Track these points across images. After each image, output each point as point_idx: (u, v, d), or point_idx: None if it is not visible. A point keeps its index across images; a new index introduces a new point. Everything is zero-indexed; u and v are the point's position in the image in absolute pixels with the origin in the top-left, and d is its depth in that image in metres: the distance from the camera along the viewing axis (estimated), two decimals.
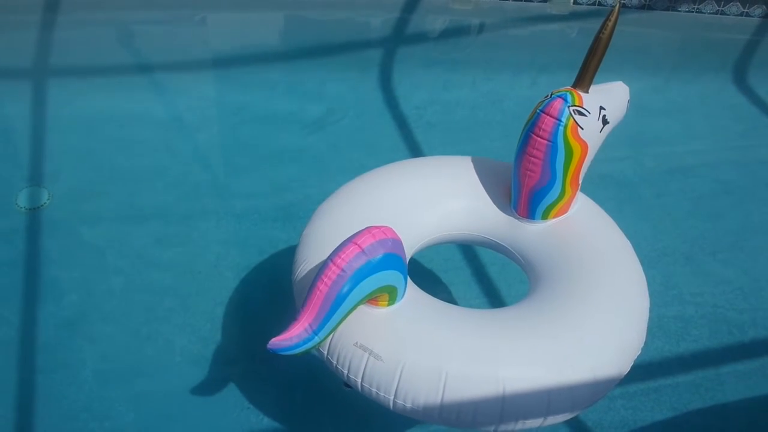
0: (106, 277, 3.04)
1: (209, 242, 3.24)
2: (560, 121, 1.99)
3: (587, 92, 2.04)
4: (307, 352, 1.78)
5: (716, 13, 5.47)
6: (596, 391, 1.87)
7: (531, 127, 2.05)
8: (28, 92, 4.25)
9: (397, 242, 1.82)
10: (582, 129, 2.00)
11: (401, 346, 1.80)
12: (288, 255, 3.20)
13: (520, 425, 1.80)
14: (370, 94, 4.42)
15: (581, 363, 1.83)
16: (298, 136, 4.01)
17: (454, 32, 5.51)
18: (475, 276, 3.13)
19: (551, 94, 2.03)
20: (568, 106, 1.98)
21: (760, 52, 5.34)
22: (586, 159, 2.08)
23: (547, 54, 5.16)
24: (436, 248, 3.12)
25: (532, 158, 2.07)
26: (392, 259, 1.78)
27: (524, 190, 2.15)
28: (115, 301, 2.94)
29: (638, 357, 2.16)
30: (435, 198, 2.28)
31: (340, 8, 5.44)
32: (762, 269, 3.28)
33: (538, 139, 2.03)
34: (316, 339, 1.75)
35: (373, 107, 4.30)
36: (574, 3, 5.46)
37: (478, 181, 2.32)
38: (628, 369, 1.96)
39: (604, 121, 2.05)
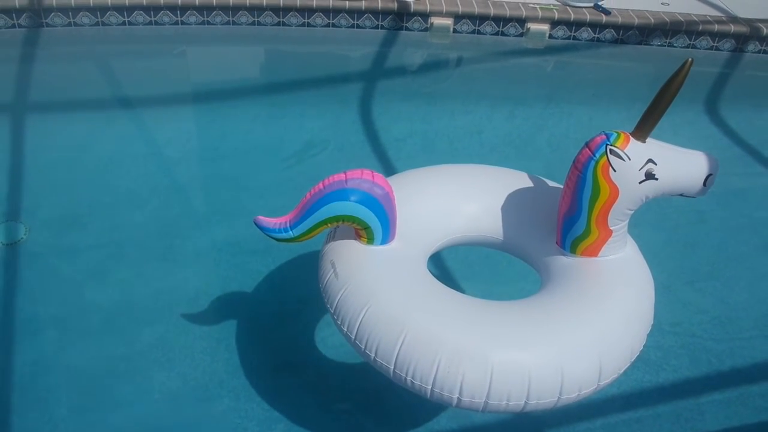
0: (84, 313, 2.99)
1: (188, 276, 3.22)
2: (594, 156, 2.02)
3: (643, 141, 2.02)
4: (279, 241, 2.15)
5: (687, 47, 5.63)
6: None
7: (575, 157, 2.11)
8: (6, 125, 4.22)
9: (382, 189, 2.10)
10: (614, 171, 2.00)
11: (351, 274, 2.11)
12: (268, 288, 3.20)
13: (409, 379, 1.92)
14: (350, 126, 4.46)
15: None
16: (278, 169, 4.02)
17: (433, 65, 5.60)
18: None
19: (603, 132, 2.06)
20: (607, 144, 2.00)
21: (730, 84, 5.49)
22: (615, 203, 2.07)
23: (523, 87, 5.25)
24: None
25: (566, 187, 2.15)
26: (369, 199, 2.08)
27: (559, 215, 2.21)
28: (92, 337, 2.90)
29: (619, 387, 2.18)
30: (481, 201, 2.41)
31: (320, 42, 5.50)
32: (738, 298, 3.32)
33: (574, 169, 2.09)
34: (290, 233, 2.12)
35: (353, 140, 4.33)
36: (549, 37, 5.58)
37: (536, 198, 2.39)
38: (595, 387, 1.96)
39: (649, 176, 2.01)
